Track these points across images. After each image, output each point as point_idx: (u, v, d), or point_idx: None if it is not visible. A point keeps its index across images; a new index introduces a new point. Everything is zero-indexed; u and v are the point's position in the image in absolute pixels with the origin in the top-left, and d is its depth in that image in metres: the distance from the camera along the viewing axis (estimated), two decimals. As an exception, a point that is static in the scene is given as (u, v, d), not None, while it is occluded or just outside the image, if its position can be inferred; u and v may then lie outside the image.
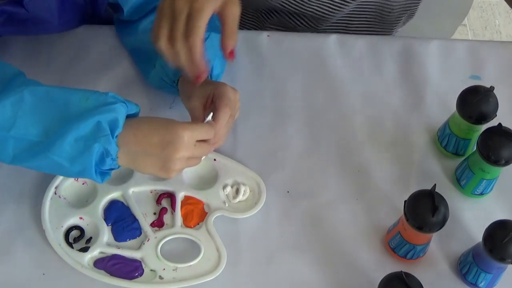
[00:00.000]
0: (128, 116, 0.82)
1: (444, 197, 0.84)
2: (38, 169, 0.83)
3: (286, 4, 1.12)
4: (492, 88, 0.92)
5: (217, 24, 1.00)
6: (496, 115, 0.92)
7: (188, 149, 0.81)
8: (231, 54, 0.85)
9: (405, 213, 0.84)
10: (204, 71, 0.84)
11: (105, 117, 0.79)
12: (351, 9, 1.16)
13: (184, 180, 0.94)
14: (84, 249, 0.88)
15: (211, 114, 0.86)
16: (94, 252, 0.88)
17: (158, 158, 0.81)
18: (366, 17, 1.18)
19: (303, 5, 1.12)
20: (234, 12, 0.83)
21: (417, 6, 1.20)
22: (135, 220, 0.91)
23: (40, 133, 0.79)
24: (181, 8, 0.81)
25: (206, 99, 0.89)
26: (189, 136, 0.80)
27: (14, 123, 0.78)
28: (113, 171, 0.83)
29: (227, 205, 0.93)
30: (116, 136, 0.80)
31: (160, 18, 0.83)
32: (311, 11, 1.14)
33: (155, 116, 0.85)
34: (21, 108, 0.79)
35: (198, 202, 0.93)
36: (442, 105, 1.04)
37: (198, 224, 0.92)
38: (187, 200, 0.93)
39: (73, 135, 0.78)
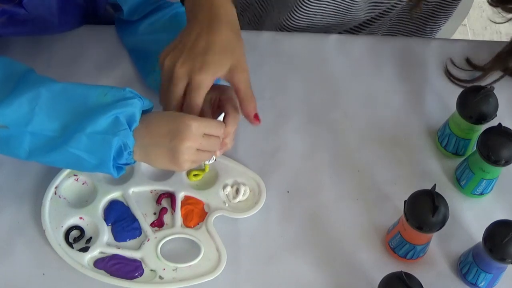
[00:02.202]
0: (142, 112, 0.83)
1: (444, 197, 0.84)
2: (53, 164, 0.84)
3: None
4: (492, 88, 0.92)
5: None
6: (496, 115, 0.92)
7: (195, 140, 0.81)
8: (256, 117, 0.87)
9: (405, 213, 0.84)
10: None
11: (123, 111, 0.80)
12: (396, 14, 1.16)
13: (184, 180, 0.94)
14: (84, 249, 0.88)
15: (222, 114, 0.86)
16: (94, 252, 0.88)
17: (167, 149, 0.81)
18: (406, 22, 1.19)
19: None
20: (244, 79, 0.85)
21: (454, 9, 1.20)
22: (135, 220, 0.91)
23: (58, 128, 0.80)
24: (181, 77, 0.83)
25: (212, 103, 0.89)
26: (196, 126, 0.80)
27: (31, 119, 0.80)
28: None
29: (227, 205, 0.93)
30: (133, 130, 0.81)
31: (162, 79, 0.86)
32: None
33: (165, 111, 0.86)
34: (38, 104, 0.80)
35: (198, 202, 0.93)
36: (442, 105, 1.04)
37: (198, 224, 0.92)
38: (187, 200, 0.93)
39: (91, 128, 0.79)
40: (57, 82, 0.83)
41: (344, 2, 1.10)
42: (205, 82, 0.83)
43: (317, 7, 1.11)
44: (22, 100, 0.80)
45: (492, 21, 1.05)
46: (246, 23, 1.25)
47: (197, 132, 0.81)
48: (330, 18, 1.13)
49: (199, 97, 0.83)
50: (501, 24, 1.05)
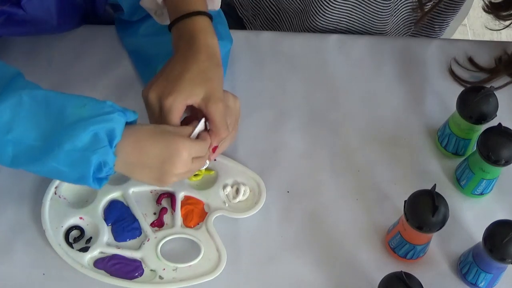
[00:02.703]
0: (127, 123, 0.81)
1: (444, 197, 0.84)
2: (37, 173, 0.83)
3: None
4: (492, 88, 0.92)
5: (220, 31, 0.99)
6: (496, 115, 0.92)
7: (185, 166, 0.81)
8: (213, 150, 0.86)
9: (405, 213, 0.84)
10: None
11: (102, 127, 0.78)
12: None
13: (184, 180, 0.94)
14: (84, 249, 0.88)
15: (203, 120, 0.84)
16: (94, 252, 0.88)
17: (155, 171, 0.81)
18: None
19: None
20: (218, 109, 0.83)
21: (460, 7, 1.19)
22: (135, 220, 0.91)
23: (38, 137, 0.78)
24: (152, 102, 0.84)
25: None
26: (188, 154, 0.80)
27: (12, 127, 0.78)
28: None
29: (227, 205, 0.93)
30: (115, 146, 0.79)
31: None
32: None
33: (156, 125, 0.83)
34: (19, 112, 0.78)
35: (198, 202, 0.93)
36: (442, 105, 1.04)
37: (198, 224, 0.92)
38: (187, 200, 0.93)
39: (70, 145, 0.77)
40: (40, 89, 0.81)
41: (368, 10, 1.11)
42: (175, 106, 0.82)
43: (339, 12, 1.11)
44: (4, 107, 0.78)
45: (489, 29, 1.05)
46: (258, 28, 1.25)
47: (188, 159, 0.81)
48: (354, 23, 1.14)
49: (172, 122, 0.83)
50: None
